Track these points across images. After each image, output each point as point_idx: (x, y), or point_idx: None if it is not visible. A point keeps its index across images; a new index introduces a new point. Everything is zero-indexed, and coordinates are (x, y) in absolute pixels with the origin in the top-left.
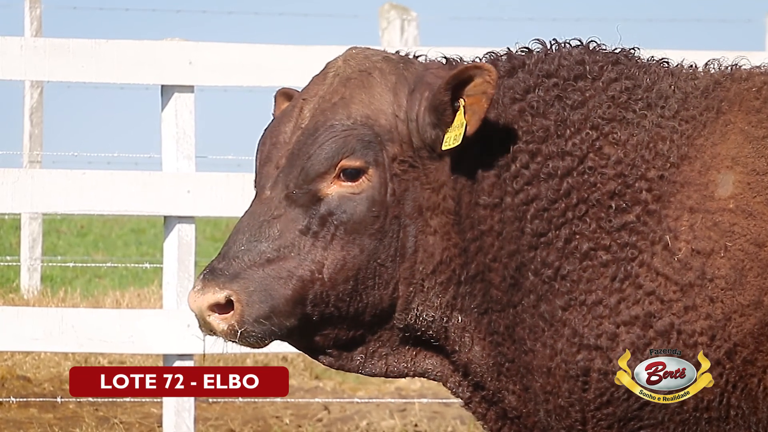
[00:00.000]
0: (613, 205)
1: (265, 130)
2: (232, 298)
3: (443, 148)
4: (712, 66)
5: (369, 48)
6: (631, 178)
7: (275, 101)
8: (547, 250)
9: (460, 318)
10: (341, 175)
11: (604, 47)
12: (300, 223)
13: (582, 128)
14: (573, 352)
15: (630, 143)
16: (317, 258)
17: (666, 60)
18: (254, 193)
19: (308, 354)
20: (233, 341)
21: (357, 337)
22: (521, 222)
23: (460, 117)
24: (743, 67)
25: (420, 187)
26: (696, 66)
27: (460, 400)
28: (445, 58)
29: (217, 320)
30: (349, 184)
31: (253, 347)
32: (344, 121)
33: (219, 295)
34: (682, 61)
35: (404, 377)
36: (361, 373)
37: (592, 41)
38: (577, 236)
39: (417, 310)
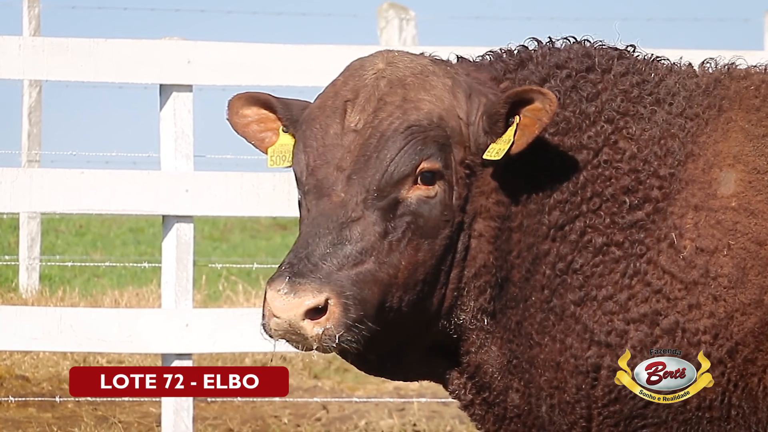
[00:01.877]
0: (627, 200)
1: (306, 132)
2: (329, 302)
3: (484, 156)
4: (708, 65)
5: (403, 51)
6: (643, 174)
7: (234, 106)
8: (562, 243)
9: (486, 320)
10: (419, 178)
11: (602, 44)
12: (379, 225)
13: (597, 121)
14: (584, 348)
15: (643, 138)
16: (394, 262)
17: (665, 57)
18: (311, 194)
19: (349, 360)
20: (327, 346)
21: (400, 342)
22: (541, 214)
23: (509, 133)
24: (740, 66)
25: (475, 191)
26: (692, 65)
27: (460, 402)
28: (458, 57)
29: (310, 325)
30: (426, 187)
31: (338, 351)
32: (421, 122)
33: (319, 298)
34: (680, 59)
35: (421, 380)
36: (389, 377)
37: (586, 40)
38: (590, 230)
39: (454, 313)
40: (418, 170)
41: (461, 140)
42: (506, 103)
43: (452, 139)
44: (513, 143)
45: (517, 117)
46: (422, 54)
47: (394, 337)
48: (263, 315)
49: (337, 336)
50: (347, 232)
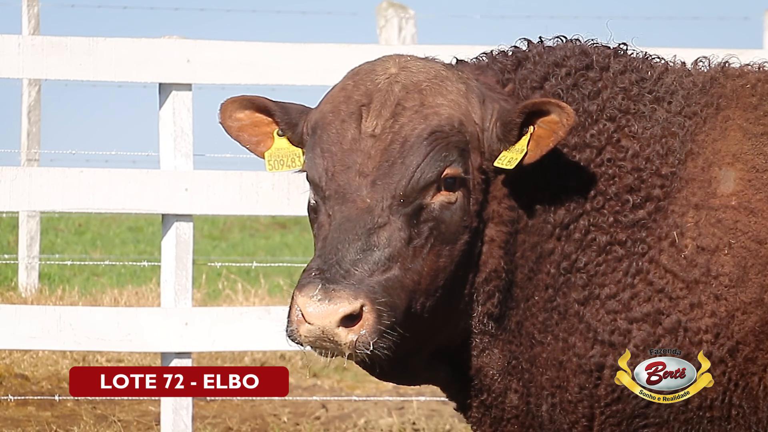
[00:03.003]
0: (630, 199)
1: (322, 136)
2: (364, 309)
3: (495, 164)
4: (702, 63)
5: (413, 55)
6: (646, 172)
7: (228, 109)
8: (567, 242)
9: (491, 324)
10: (443, 184)
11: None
12: (404, 232)
13: (599, 119)
14: (587, 347)
15: (644, 137)
16: (418, 268)
17: (658, 56)
18: (332, 199)
19: (375, 370)
20: (360, 353)
21: (412, 349)
22: (546, 213)
23: (523, 143)
24: (733, 64)
25: (488, 196)
26: (685, 63)
27: (457, 404)
28: (457, 60)
29: (345, 332)
30: (448, 193)
31: (368, 358)
32: (443, 128)
33: (355, 305)
34: (674, 57)
35: (424, 384)
36: (395, 382)
37: (577, 39)
38: (594, 228)
39: (461, 318)
40: (442, 176)
41: (478, 146)
42: (522, 113)
43: (470, 144)
44: (526, 154)
45: (531, 127)
46: (426, 57)
47: (411, 342)
48: (290, 321)
49: (371, 343)
50: (375, 237)
